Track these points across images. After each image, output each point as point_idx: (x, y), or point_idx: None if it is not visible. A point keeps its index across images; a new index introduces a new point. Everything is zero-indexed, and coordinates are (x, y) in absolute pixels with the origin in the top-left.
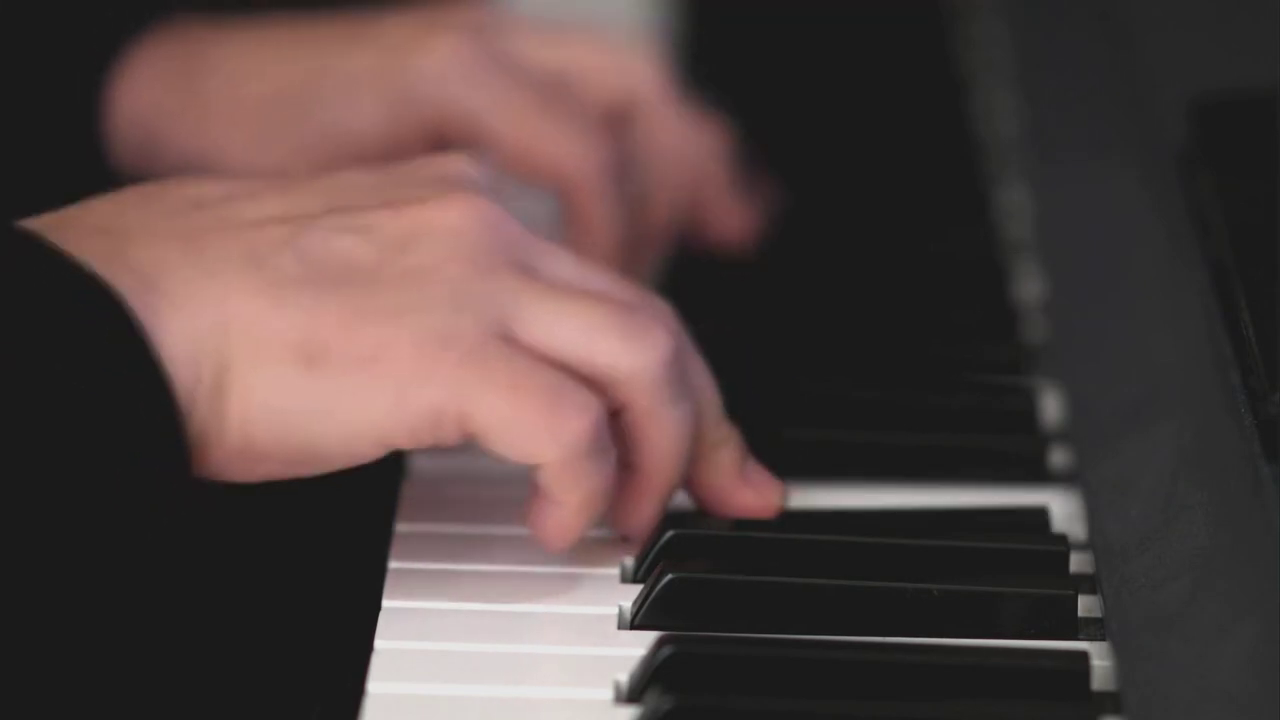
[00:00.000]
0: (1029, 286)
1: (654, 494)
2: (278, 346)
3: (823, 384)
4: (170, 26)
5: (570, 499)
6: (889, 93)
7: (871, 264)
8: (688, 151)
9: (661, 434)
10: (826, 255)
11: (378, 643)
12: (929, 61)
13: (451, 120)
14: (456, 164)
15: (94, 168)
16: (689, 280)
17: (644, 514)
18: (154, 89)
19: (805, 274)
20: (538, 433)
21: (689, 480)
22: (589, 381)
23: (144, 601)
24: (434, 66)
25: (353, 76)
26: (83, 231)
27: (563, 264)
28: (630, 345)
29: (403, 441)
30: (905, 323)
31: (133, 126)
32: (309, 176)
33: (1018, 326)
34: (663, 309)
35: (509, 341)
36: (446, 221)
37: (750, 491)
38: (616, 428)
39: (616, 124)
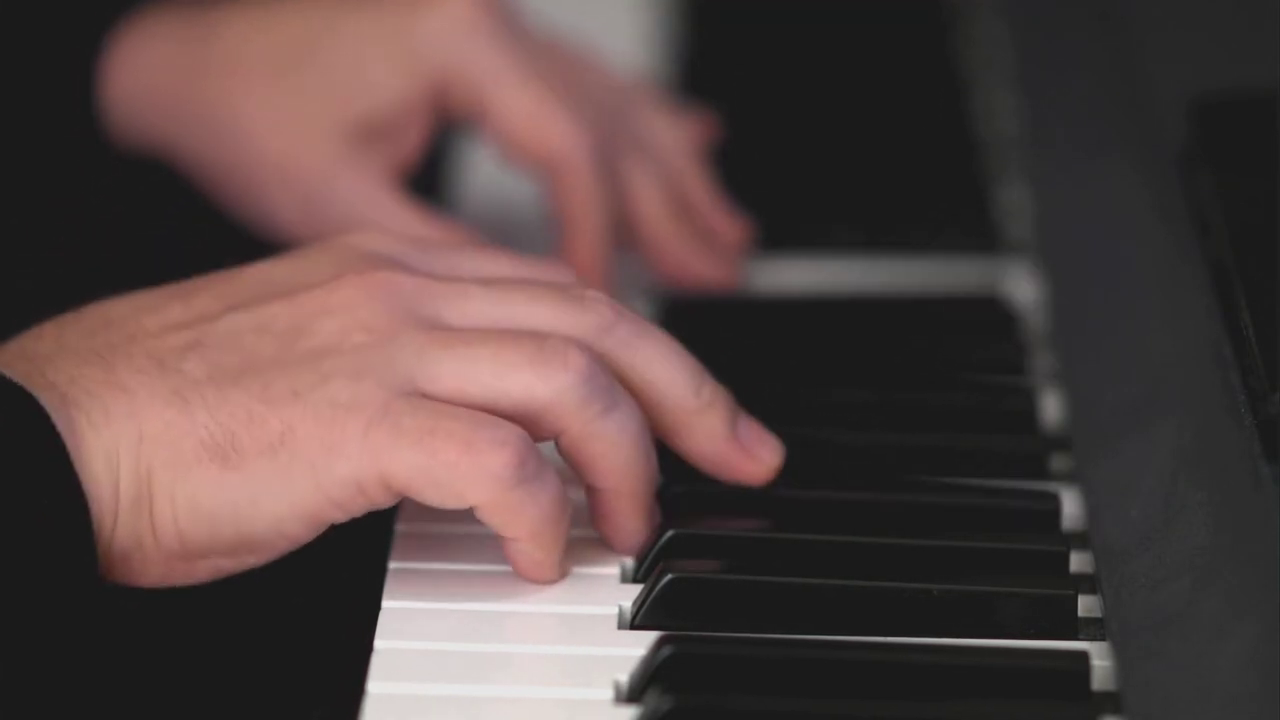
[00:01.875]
0: (1029, 286)
1: (626, 506)
2: (191, 448)
3: (822, 384)
4: (166, 4)
5: (517, 532)
6: (889, 92)
7: (871, 263)
8: (671, 147)
9: (604, 447)
10: (826, 255)
11: (378, 643)
12: (929, 61)
13: (456, 82)
14: (352, 239)
15: (90, 142)
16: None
17: (629, 528)
18: (161, 51)
19: (805, 274)
20: (458, 475)
21: (682, 452)
22: (515, 418)
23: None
24: (441, 25)
25: (361, 33)
26: (4, 358)
27: (475, 301)
28: (542, 372)
29: (334, 515)
30: (905, 323)
31: (138, 96)
32: (212, 278)
33: (1018, 326)
34: (587, 298)
35: (418, 396)
36: (338, 300)
37: (745, 458)
38: (562, 453)
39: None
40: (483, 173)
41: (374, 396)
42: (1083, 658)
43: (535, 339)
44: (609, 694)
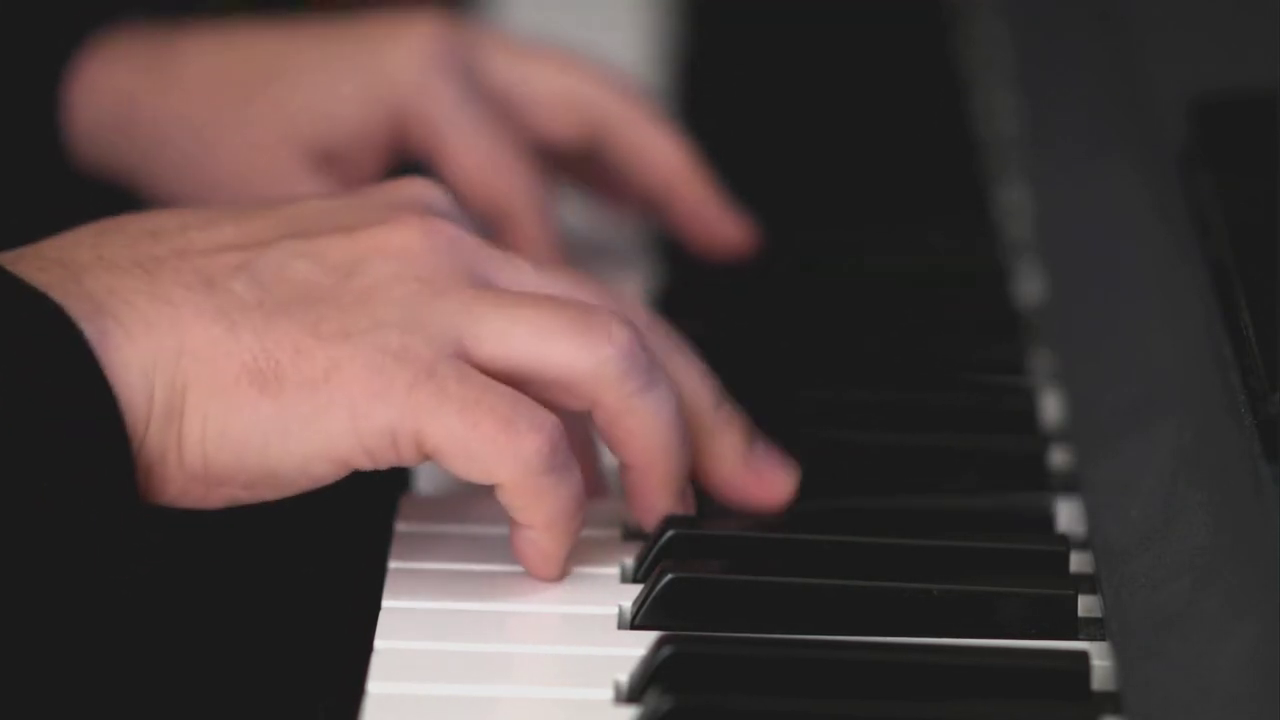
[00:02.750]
0: (1029, 286)
1: (658, 485)
2: (232, 370)
3: (822, 384)
4: (134, 25)
5: (534, 519)
6: (889, 92)
7: (872, 264)
8: (663, 162)
9: (639, 424)
10: (826, 255)
11: (378, 643)
12: (929, 61)
13: (414, 120)
14: (413, 187)
15: (53, 159)
16: (689, 282)
17: (659, 508)
18: (125, 73)
19: (805, 274)
20: (493, 451)
21: (696, 472)
22: (551, 386)
23: (99, 621)
24: (402, 59)
25: (323, 63)
26: (38, 263)
27: (520, 273)
28: (585, 342)
29: (361, 462)
30: (905, 323)
31: (101, 118)
32: (267, 203)
33: (1018, 326)
34: (627, 303)
35: (463, 359)
36: (396, 243)
37: (753, 480)
38: (597, 428)
39: (584, 149)
40: None
41: (423, 352)
42: (1083, 658)
43: (582, 309)
44: (609, 694)
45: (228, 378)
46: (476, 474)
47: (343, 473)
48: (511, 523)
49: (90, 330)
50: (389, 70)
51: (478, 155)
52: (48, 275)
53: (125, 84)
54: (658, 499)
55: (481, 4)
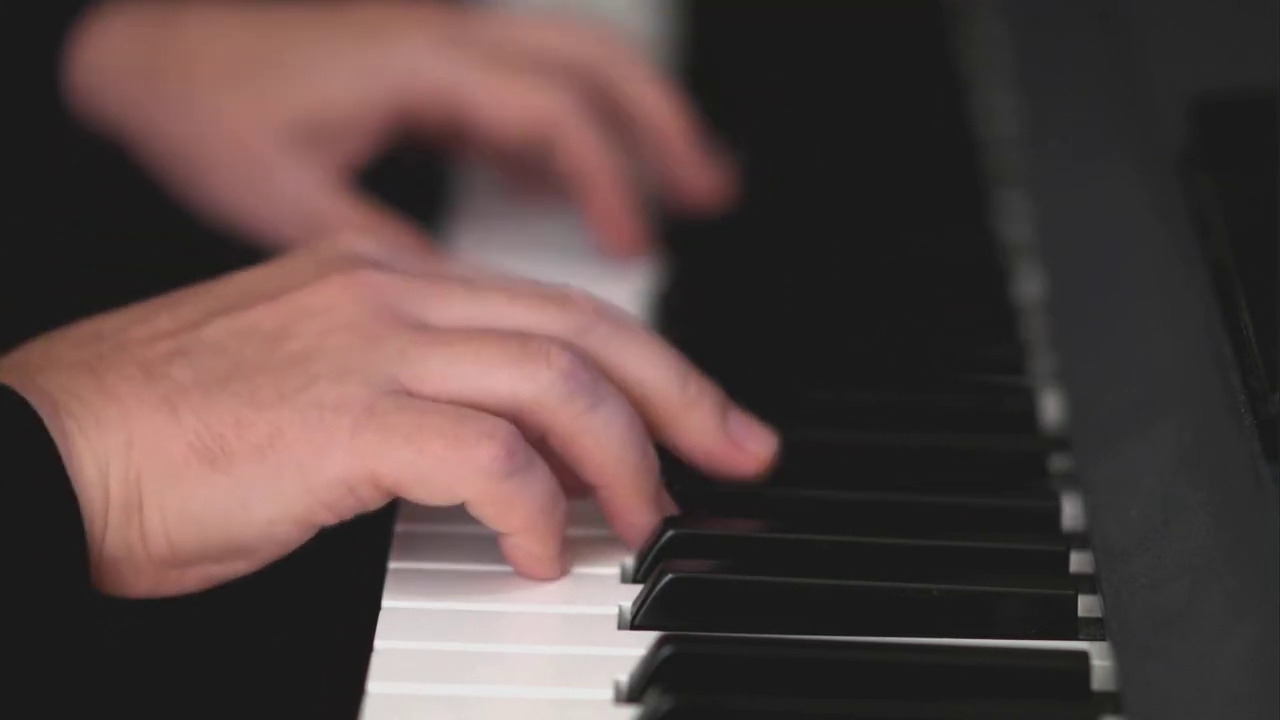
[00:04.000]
0: (1029, 286)
1: (629, 498)
2: (180, 453)
3: (822, 385)
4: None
5: (510, 525)
6: (889, 93)
7: (872, 264)
8: (655, 112)
9: (594, 442)
10: (826, 255)
11: (378, 643)
12: (929, 61)
13: (426, 95)
14: (337, 243)
15: (57, 128)
16: (689, 282)
17: (638, 522)
18: (125, 44)
19: (805, 274)
20: (448, 470)
21: (674, 449)
22: (498, 416)
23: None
24: (405, 47)
25: (325, 51)
26: None
27: (457, 303)
28: (525, 370)
29: (324, 517)
30: (905, 323)
31: (102, 84)
32: (198, 288)
33: (1018, 326)
34: (573, 294)
35: (403, 393)
36: (321, 302)
37: (736, 453)
38: (550, 450)
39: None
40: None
41: (359, 396)
42: (1083, 658)
43: (518, 338)
44: (609, 694)
45: (177, 460)
46: (439, 497)
47: (309, 532)
48: (498, 535)
49: (51, 427)
50: (390, 58)
51: (502, 93)
52: (6, 378)
53: (125, 54)
54: (633, 512)
55: (484, 4)
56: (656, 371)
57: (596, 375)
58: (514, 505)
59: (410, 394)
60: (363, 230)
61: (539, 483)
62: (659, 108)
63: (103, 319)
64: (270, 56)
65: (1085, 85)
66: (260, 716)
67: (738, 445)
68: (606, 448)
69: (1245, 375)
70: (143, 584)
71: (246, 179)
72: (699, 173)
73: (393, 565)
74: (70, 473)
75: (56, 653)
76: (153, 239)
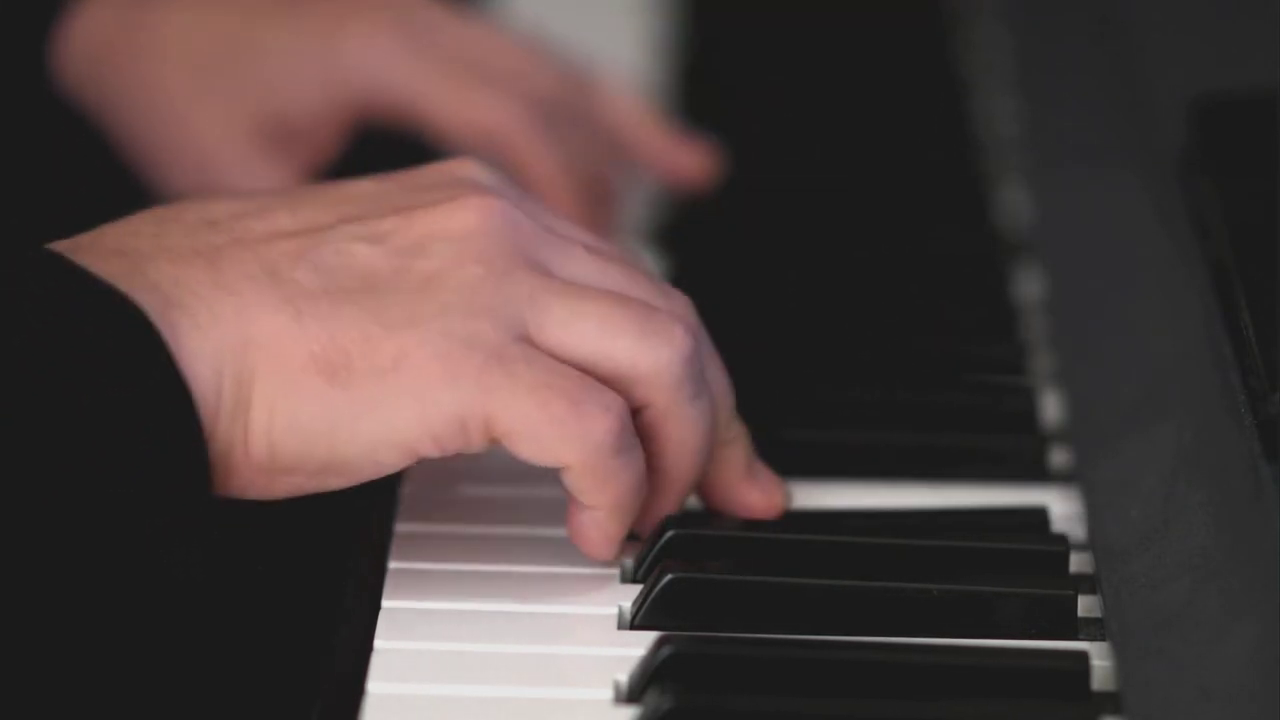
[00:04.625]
0: (1029, 286)
1: (673, 491)
2: (299, 360)
3: (823, 384)
4: None
5: (601, 500)
6: (890, 95)
7: (872, 264)
8: (621, 113)
9: (682, 431)
10: (827, 256)
11: (378, 643)
12: (930, 64)
13: (379, 95)
14: (465, 168)
15: (45, 103)
16: (690, 282)
17: (661, 513)
18: (103, 32)
19: (805, 274)
20: (563, 433)
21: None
22: (608, 381)
23: (165, 612)
24: (357, 48)
25: (286, 45)
26: (100, 254)
27: (580, 261)
28: (648, 343)
29: (429, 449)
30: (906, 323)
31: (83, 67)
32: (318, 188)
33: (1018, 326)
34: (682, 304)
35: (528, 343)
36: (459, 224)
37: (756, 491)
38: (637, 426)
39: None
40: None
41: (490, 336)
42: (1083, 658)
43: (646, 308)
44: (609, 694)
45: (295, 367)
46: (546, 456)
47: (410, 461)
48: (572, 505)
49: (161, 323)
50: (349, 62)
51: (455, 100)
52: (110, 266)
53: (101, 45)
54: (666, 504)
55: (482, 4)
56: (721, 398)
57: (704, 368)
58: (611, 481)
59: (533, 341)
60: (484, 161)
61: (637, 465)
62: (623, 108)
63: (212, 204)
64: (236, 52)
65: (1085, 87)
66: (260, 716)
67: (761, 487)
68: (690, 438)
69: (1245, 375)
70: (234, 484)
71: (203, 180)
72: (678, 157)
73: (393, 565)
74: (184, 371)
75: (178, 551)
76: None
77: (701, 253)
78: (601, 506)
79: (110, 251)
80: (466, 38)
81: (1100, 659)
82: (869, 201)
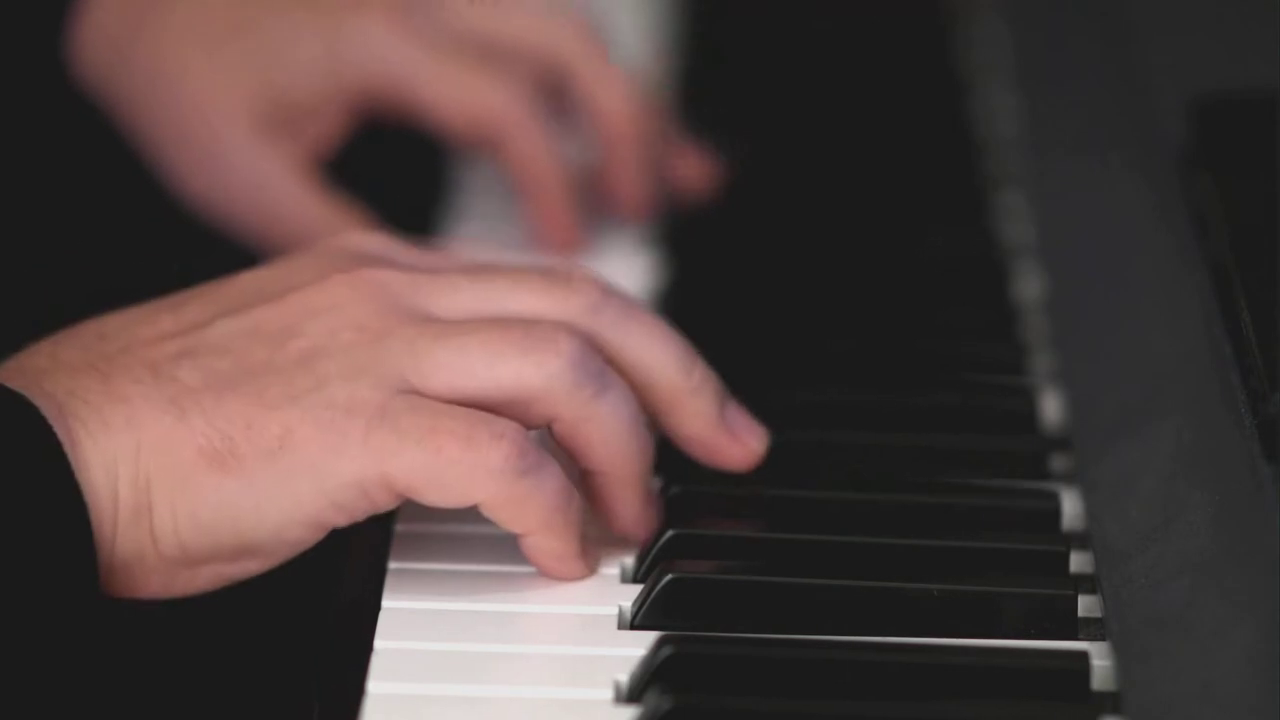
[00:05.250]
0: (1029, 286)
1: (623, 487)
2: (189, 455)
3: (822, 384)
4: None
5: (526, 525)
6: (890, 93)
7: (872, 264)
8: (622, 104)
9: (598, 429)
10: (826, 256)
11: (378, 643)
12: (930, 62)
13: (382, 82)
14: (342, 241)
15: (60, 88)
16: (689, 282)
17: (627, 511)
18: (114, 22)
19: (805, 274)
20: (462, 472)
21: (670, 433)
22: (505, 407)
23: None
24: (362, 37)
25: (288, 29)
26: (1, 374)
27: (461, 293)
28: (532, 359)
29: (336, 519)
30: (905, 323)
31: (96, 58)
32: (201, 289)
33: (1018, 326)
34: (574, 281)
35: (414, 394)
36: (325, 301)
37: (731, 441)
38: (557, 441)
39: (547, 87)
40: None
41: (371, 397)
42: (1083, 658)
43: (524, 326)
44: (609, 694)
45: (186, 463)
46: (453, 499)
47: (321, 533)
48: (517, 537)
49: (58, 430)
50: (348, 47)
51: (451, 87)
52: (12, 382)
53: (112, 35)
54: (623, 502)
55: None
56: (662, 356)
57: (602, 362)
58: (528, 504)
59: (419, 391)
60: (363, 227)
61: (551, 480)
62: (615, 109)
63: (106, 320)
64: (241, 33)
65: (1085, 85)
66: (260, 716)
67: (734, 435)
68: (611, 434)
69: (1245, 375)
70: (155, 584)
71: (209, 162)
72: (631, 190)
73: (393, 565)
74: (78, 476)
75: (65, 657)
76: (152, 216)
77: (700, 253)
78: (531, 530)
79: (10, 370)
80: (471, 18)
81: (1100, 659)
82: (868, 201)
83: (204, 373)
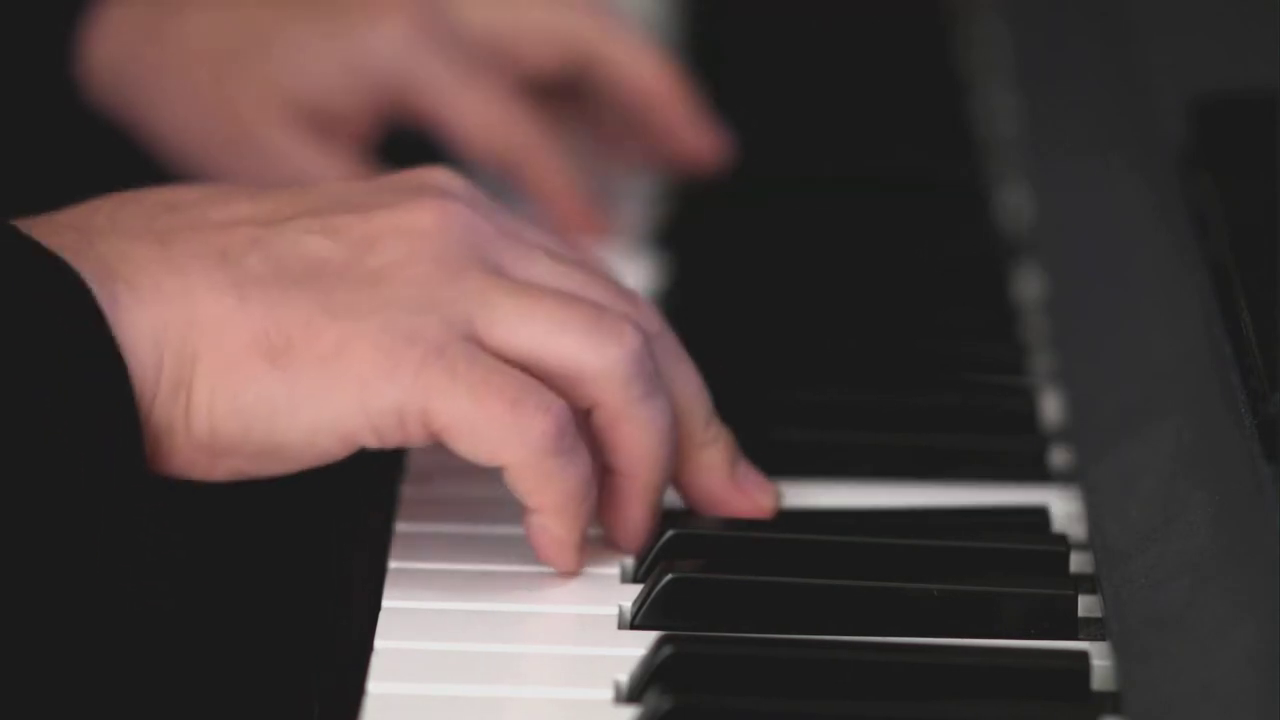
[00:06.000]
0: (1029, 286)
1: (638, 495)
2: (242, 342)
3: (822, 384)
4: None
5: (541, 502)
6: (890, 92)
7: (871, 264)
8: (645, 84)
9: (635, 430)
10: (825, 256)
11: (378, 643)
12: (930, 61)
13: (405, 91)
14: (433, 174)
15: (68, 106)
16: (690, 281)
17: (633, 518)
18: (126, 35)
19: (804, 275)
20: (500, 432)
21: (678, 482)
22: (556, 380)
23: (110, 594)
24: (382, 41)
25: (307, 39)
26: (55, 228)
27: (538, 265)
28: (594, 342)
29: (368, 439)
30: (905, 323)
31: (106, 71)
32: (282, 186)
33: (1018, 326)
34: (640, 306)
35: (474, 342)
36: (411, 224)
37: (740, 496)
38: (591, 430)
39: (570, 79)
40: None
41: (434, 332)
42: (1083, 658)
43: (595, 308)
44: (609, 694)
45: (237, 349)
46: (483, 455)
47: (349, 450)
48: (524, 511)
49: (101, 294)
50: (371, 50)
51: (477, 114)
52: (61, 239)
53: (127, 44)
54: (635, 508)
55: None
56: (691, 400)
57: (656, 368)
58: (550, 483)
59: (479, 340)
60: (454, 170)
61: (579, 467)
62: (649, 75)
63: (175, 190)
64: (261, 42)
65: (1085, 85)
66: (260, 716)
67: (743, 491)
68: (646, 438)
69: (1245, 375)
70: (175, 463)
71: (254, 164)
72: (695, 136)
73: (393, 565)
74: (121, 342)
75: (106, 525)
76: None
77: (700, 253)
78: (543, 509)
79: (65, 226)
80: (491, 15)
81: (1100, 659)
82: (868, 200)
83: (274, 265)
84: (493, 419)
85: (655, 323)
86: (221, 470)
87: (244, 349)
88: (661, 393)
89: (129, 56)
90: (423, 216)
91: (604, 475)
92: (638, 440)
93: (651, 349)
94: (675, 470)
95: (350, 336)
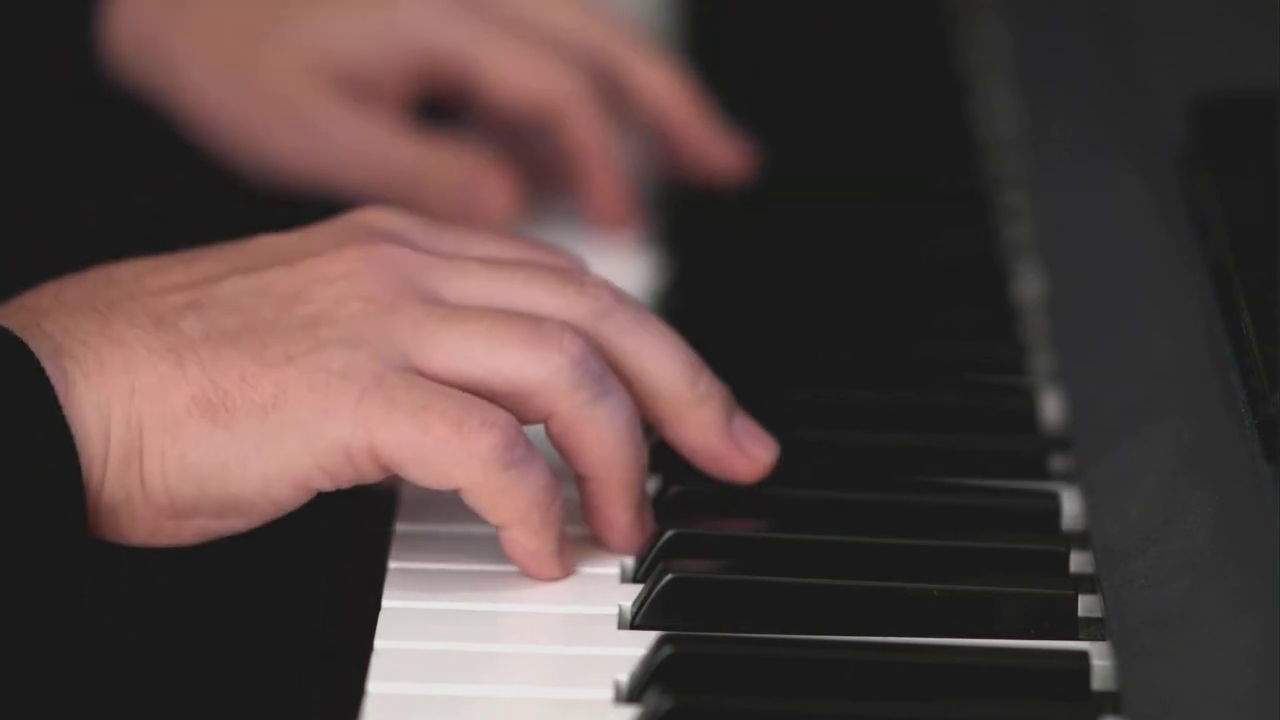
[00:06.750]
0: (1029, 286)
1: (614, 498)
2: (183, 404)
3: (822, 384)
4: None
5: (503, 517)
6: (890, 93)
7: (872, 264)
8: (678, 88)
9: (593, 433)
10: (827, 256)
11: (378, 643)
12: (930, 62)
13: (439, 59)
14: (363, 215)
15: (91, 81)
16: (690, 281)
17: (617, 521)
18: (149, 12)
19: (805, 275)
20: (448, 454)
21: (675, 443)
22: (504, 398)
23: (52, 658)
24: (413, 10)
25: (334, 5)
26: (3, 310)
27: (473, 280)
28: (535, 354)
29: (321, 482)
30: (905, 323)
31: (131, 43)
32: (217, 247)
33: (1018, 326)
34: (588, 281)
35: (414, 372)
36: (338, 270)
37: (738, 454)
38: (551, 439)
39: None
40: None
41: (368, 367)
42: (1083, 658)
43: (531, 320)
44: (609, 694)
45: (180, 411)
46: (435, 479)
47: (306, 495)
48: (499, 532)
49: (51, 369)
50: (404, 24)
51: (514, 63)
52: (12, 319)
53: (151, 20)
54: (615, 510)
55: None
56: (668, 365)
57: (605, 366)
58: (508, 497)
59: (419, 370)
60: (387, 206)
61: (535, 476)
62: (667, 89)
63: (116, 267)
64: (288, 11)
65: (1085, 85)
66: (261, 716)
67: (740, 447)
68: (606, 439)
69: (1245, 375)
70: (140, 531)
71: (297, 133)
72: (713, 150)
73: (393, 565)
74: (69, 415)
75: (52, 597)
76: (191, 205)
77: (701, 253)
78: (506, 524)
79: (13, 309)
80: (519, 5)
81: (1100, 659)
82: (868, 200)
83: (207, 326)
84: (439, 442)
85: (608, 296)
86: (189, 532)
87: (185, 410)
88: (613, 390)
89: (154, 33)
90: (348, 261)
91: (579, 484)
92: (599, 442)
93: (604, 333)
94: (670, 431)
95: (285, 382)
